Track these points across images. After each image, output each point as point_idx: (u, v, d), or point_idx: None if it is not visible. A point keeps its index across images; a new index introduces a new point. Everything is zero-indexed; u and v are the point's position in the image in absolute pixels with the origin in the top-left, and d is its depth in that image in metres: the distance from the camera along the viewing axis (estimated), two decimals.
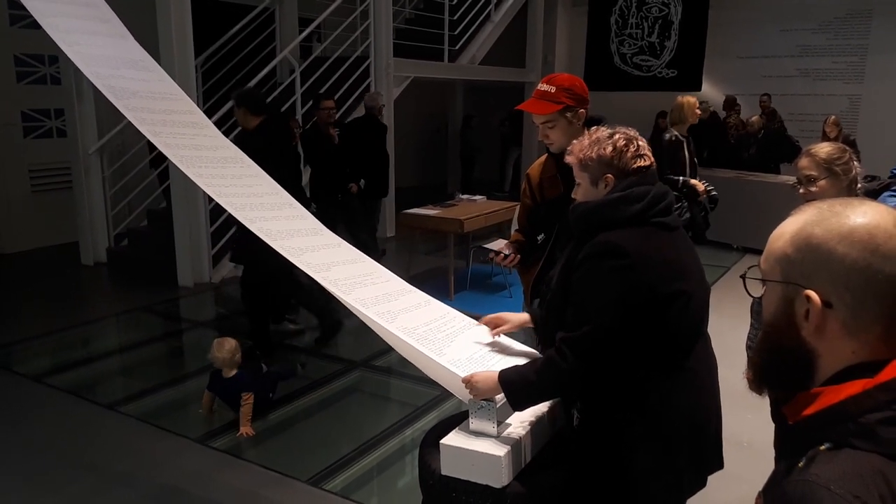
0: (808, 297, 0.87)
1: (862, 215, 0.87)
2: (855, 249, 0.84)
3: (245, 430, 3.52)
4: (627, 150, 1.75)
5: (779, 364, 0.93)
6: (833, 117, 8.24)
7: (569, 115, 2.36)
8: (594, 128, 1.86)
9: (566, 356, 1.65)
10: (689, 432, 1.75)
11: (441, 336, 2.03)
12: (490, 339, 2.10)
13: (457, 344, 2.02)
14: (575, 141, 1.85)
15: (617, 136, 1.77)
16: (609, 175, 1.75)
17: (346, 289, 2.11)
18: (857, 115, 10.01)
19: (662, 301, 1.64)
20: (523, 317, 2.09)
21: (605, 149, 1.75)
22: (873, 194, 3.37)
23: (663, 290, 1.64)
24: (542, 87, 2.39)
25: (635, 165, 1.75)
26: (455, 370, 1.84)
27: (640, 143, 1.78)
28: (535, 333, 2.10)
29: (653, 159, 1.80)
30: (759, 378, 0.96)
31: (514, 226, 2.89)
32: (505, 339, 2.13)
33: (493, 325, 2.08)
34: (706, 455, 1.83)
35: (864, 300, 0.84)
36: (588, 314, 1.64)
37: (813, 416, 0.87)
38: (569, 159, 1.84)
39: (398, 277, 2.38)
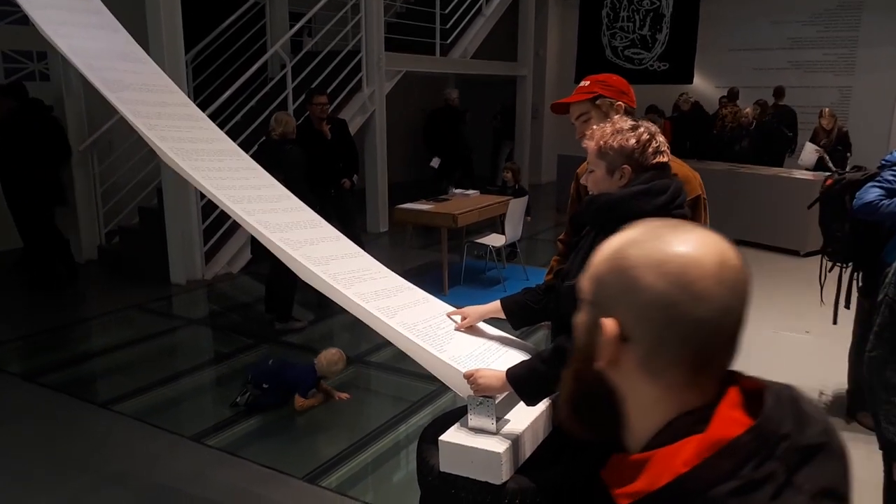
0: (603, 326, 0.75)
1: (683, 243, 0.73)
2: (663, 281, 0.71)
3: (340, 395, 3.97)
4: (650, 145, 1.72)
5: (584, 398, 0.84)
6: (828, 109, 8.27)
7: (600, 103, 2.15)
8: (617, 116, 1.84)
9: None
10: None
11: (441, 333, 2.03)
12: (491, 336, 2.09)
13: (457, 341, 2.01)
14: (595, 126, 1.81)
15: (641, 129, 1.74)
16: (627, 166, 1.72)
17: (345, 283, 2.10)
18: (848, 106, 10.05)
19: None
20: (482, 309, 2.10)
21: (627, 140, 1.72)
22: (858, 184, 3.34)
23: None
24: (580, 84, 2.26)
25: (654, 161, 1.73)
26: (457, 366, 1.84)
27: (661, 139, 1.77)
28: (511, 324, 2.08)
29: (670, 157, 1.79)
30: (572, 410, 0.86)
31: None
32: (506, 336, 2.13)
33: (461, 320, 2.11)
34: None
35: (663, 340, 0.73)
36: None
37: (651, 495, 0.71)
38: (587, 144, 1.80)
39: (395, 274, 2.37)
